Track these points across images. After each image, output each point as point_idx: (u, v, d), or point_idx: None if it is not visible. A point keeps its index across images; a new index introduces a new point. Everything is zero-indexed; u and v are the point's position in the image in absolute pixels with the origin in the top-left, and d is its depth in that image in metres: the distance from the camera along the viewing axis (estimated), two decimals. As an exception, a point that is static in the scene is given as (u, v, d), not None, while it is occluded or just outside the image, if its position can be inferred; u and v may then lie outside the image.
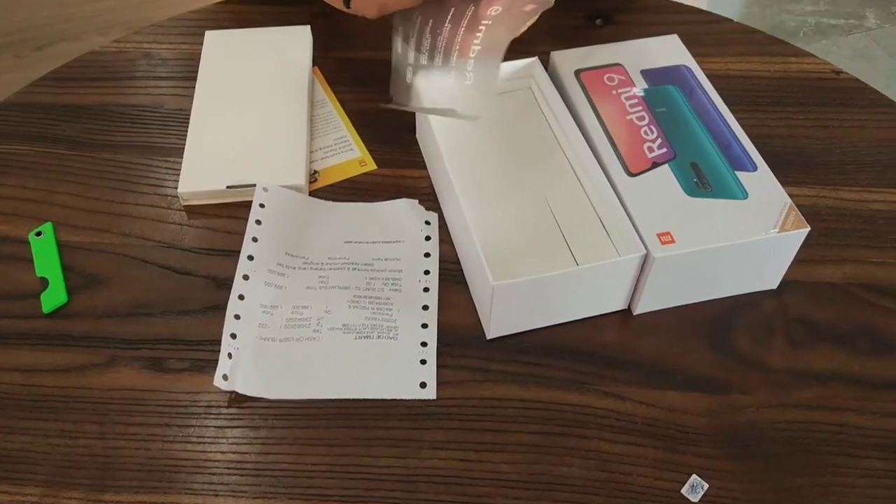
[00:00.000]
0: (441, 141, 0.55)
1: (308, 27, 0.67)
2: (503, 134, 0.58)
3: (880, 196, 0.57)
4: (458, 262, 0.53)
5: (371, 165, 0.60)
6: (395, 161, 0.60)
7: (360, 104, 0.64)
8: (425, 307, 0.51)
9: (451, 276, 0.53)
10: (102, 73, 0.66)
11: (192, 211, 0.56)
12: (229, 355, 0.47)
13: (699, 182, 0.49)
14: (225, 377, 0.46)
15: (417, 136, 0.61)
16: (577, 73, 0.56)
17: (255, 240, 0.52)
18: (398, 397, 0.47)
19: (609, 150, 0.51)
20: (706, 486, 0.43)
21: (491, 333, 0.49)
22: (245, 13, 0.70)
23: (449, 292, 0.52)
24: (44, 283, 0.52)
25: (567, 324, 0.50)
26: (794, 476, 0.43)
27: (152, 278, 0.52)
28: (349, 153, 0.60)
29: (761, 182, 0.49)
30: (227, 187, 0.55)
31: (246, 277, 0.50)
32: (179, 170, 0.56)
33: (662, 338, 0.49)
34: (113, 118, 0.62)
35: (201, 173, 0.56)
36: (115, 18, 1.90)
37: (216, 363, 0.47)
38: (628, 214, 0.48)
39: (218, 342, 0.48)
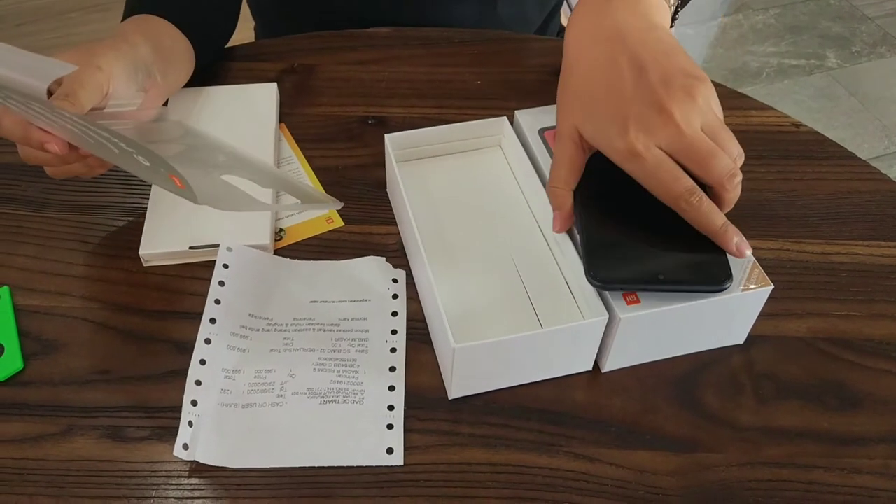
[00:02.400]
0: (409, 197, 0.55)
1: (275, 84, 0.67)
2: (473, 191, 0.58)
3: (842, 248, 0.57)
4: (425, 321, 0.53)
5: (338, 222, 0.59)
6: (362, 218, 0.60)
7: (327, 160, 0.64)
8: (392, 368, 0.50)
9: (419, 335, 0.52)
10: (65, 131, 0.65)
11: (154, 272, 0.55)
12: (190, 423, 0.46)
13: (663, 241, 0.49)
14: (185, 446, 0.45)
15: (388, 190, 0.61)
16: (541, 131, 0.57)
17: (217, 302, 0.51)
18: (364, 464, 0.46)
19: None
20: (677, 550, 0.42)
21: (453, 394, 0.48)
22: (212, 70, 0.70)
23: (417, 352, 0.51)
24: (-1, 349, 0.50)
25: (536, 383, 0.49)
26: (765, 538, 0.43)
27: (112, 343, 0.51)
28: (316, 210, 0.60)
29: (724, 239, 0.49)
30: (190, 248, 0.54)
31: (208, 341, 0.49)
32: (142, 230, 0.56)
33: (631, 396, 0.49)
34: (75, 178, 0.61)
35: (163, 234, 0.55)
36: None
37: (177, 431, 0.46)
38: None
39: (179, 409, 0.47)
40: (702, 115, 0.46)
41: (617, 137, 0.46)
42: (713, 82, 0.50)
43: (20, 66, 0.48)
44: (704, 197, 0.46)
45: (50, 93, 0.51)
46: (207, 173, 0.49)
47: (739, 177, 0.46)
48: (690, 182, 0.45)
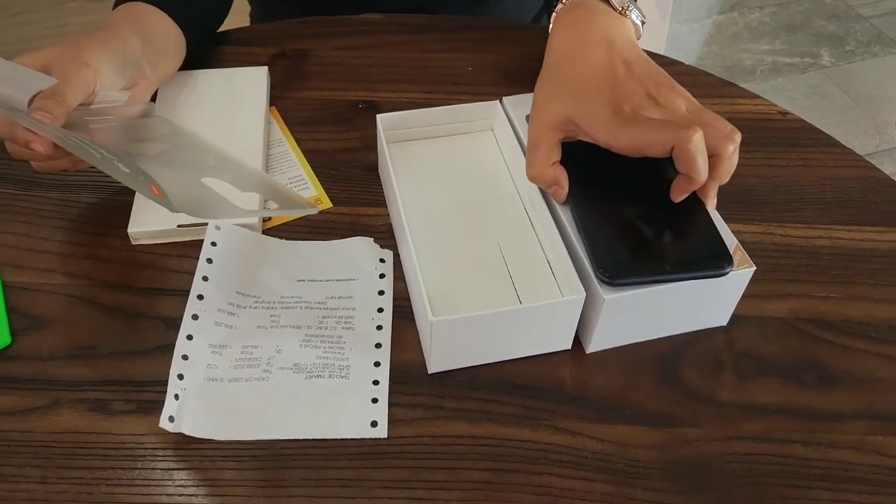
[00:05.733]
0: (397, 177, 0.56)
1: (265, 68, 0.68)
2: (462, 173, 0.59)
3: (824, 233, 0.58)
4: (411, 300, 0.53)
5: (327, 203, 0.60)
6: (351, 199, 0.60)
7: (317, 143, 0.64)
8: (378, 345, 0.50)
9: (406, 313, 0.53)
10: (57, 112, 0.65)
11: (142, 250, 0.55)
12: (176, 396, 0.46)
13: (648, 223, 0.50)
14: (171, 419, 0.46)
15: (379, 171, 0.61)
16: (528, 117, 0.57)
17: (205, 279, 0.52)
18: (349, 437, 0.46)
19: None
20: (655, 522, 0.43)
21: (432, 368, 0.49)
22: (204, 54, 0.70)
23: (403, 330, 0.52)
24: (-12, 324, 0.51)
25: (520, 360, 0.50)
26: (742, 510, 0.44)
27: (100, 319, 0.52)
28: (305, 192, 0.60)
29: (709, 222, 0.50)
30: (179, 226, 0.55)
31: (195, 317, 0.50)
32: (131, 209, 0.56)
33: (614, 374, 0.50)
34: (63, 171, 0.62)
35: (152, 212, 0.55)
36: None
37: (163, 404, 0.46)
38: (580, 256, 0.48)
39: (166, 383, 0.47)
40: (686, 101, 0.50)
41: (612, 115, 0.48)
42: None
43: (2, 76, 0.49)
44: (703, 141, 0.46)
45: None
46: (188, 176, 0.50)
47: (735, 144, 0.47)
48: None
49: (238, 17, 0.98)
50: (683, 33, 2.09)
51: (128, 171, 0.48)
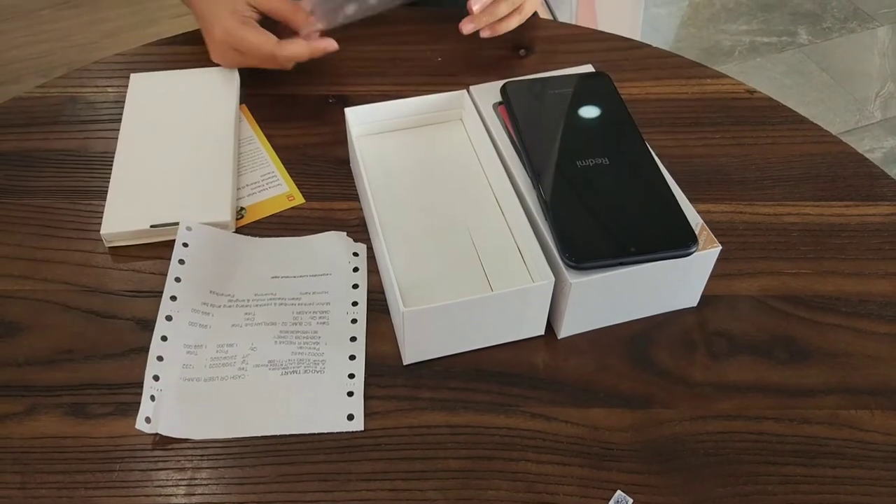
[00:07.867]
0: (367, 169, 0.56)
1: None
2: (433, 164, 0.59)
3: (794, 209, 0.59)
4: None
5: (299, 200, 0.60)
6: (323, 195, 0.60)
7: (288, 140, 0.64)
8: (353, 339, 0.51)
9: (380, 306, 0.53)
10: (26, 119, 0.65)
11: (116, 253, 0.55)
12: (152, 397, 0.47)
13: (614, 206, 0.50)
14: (148, 420, 0.46)
15: (350, 165, 0.61)
16: (496, 105, 0.58)
17: (178, 280, 0.52)
18: (325, 431, 0.46)
19: (527, 181, 0.52)
20: (630, 501, 0.44)
21: (407, 359, 0.49)
22: (173, 54, 0.70)
23: (378, 322, 0.52)
24: (-38, 333, 0.51)
25: (493, 348, 0.50)
26: (716, 486, 0.44)
27: (75, 323, 0.52)
28: (277, 188, 0.60)
29: (674, 203, 0.50)
30: (151, 226, 0.55)
31: (169, 318, 0.50)
32: (102, 212, 0.56)
33: (586, 358, 0.50)
34: (36, 164, 0.61)
35: (125, 214, 0.55)
36: (56, 60, 1.89)
37: (140, 406, 0.47)
38: (547, 242, 0.49)
39: (142, 385, 0.47)
40: None
41: None
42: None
43: None
44: None
45: None
46: None
47: None
48: None
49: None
50: (661, 16, 2.10)
51: None
